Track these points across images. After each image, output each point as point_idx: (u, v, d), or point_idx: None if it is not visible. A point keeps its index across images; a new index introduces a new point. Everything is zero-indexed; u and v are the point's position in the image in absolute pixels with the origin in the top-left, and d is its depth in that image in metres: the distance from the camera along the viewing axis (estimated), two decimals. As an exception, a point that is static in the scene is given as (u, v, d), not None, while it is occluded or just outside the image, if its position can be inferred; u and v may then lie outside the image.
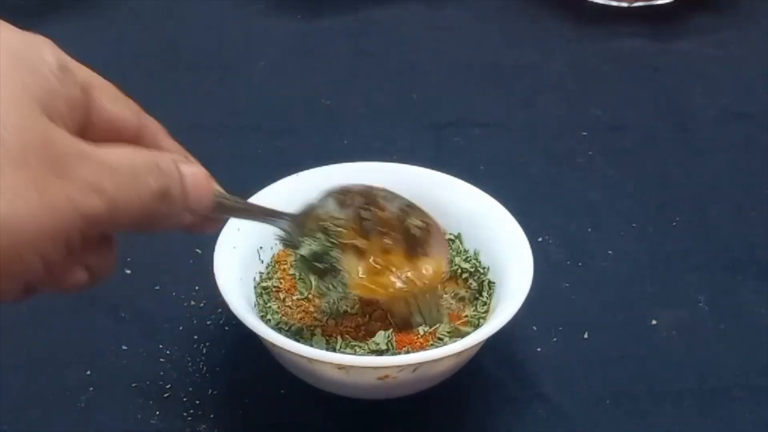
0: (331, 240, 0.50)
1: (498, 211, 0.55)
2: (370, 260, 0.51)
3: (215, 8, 0.90)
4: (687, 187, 0.69)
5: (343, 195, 0.51)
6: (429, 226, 0.52)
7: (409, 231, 0.52)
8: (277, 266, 0.55)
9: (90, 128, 0.35)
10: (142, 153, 0.35)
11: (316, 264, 0.50)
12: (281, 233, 0.49)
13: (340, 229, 0.50)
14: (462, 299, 0.54)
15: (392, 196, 0.52)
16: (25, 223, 0.29)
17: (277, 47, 0.84)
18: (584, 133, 0.74)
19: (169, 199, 0.35)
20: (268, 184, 0.56)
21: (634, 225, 0.65)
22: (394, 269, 0.51)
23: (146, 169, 0.34)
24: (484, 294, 0.54)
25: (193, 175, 0.37)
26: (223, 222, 0.45)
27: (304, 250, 0.49)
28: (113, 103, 0.36)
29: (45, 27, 0.93)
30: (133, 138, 0.37)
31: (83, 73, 0.35)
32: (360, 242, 0.51)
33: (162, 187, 0.35)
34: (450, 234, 0.57)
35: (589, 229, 0.65)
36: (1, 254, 0.29)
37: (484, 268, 0.55)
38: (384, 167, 0.59)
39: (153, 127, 0.39)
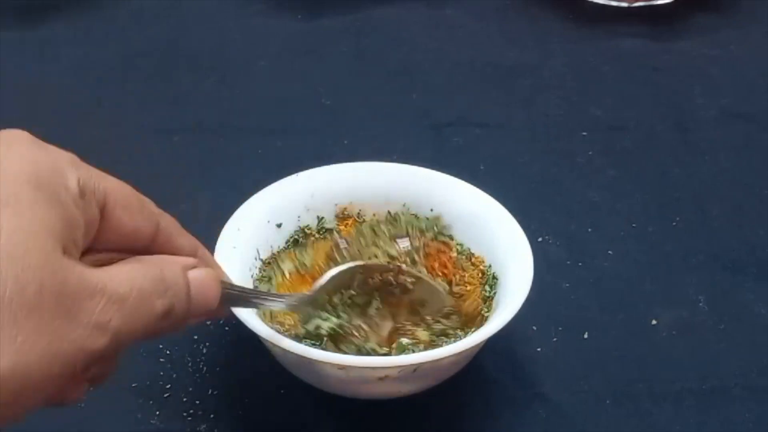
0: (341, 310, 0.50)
1: (498, 211, 0.55)
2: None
3: (215, 8, 0.90)
4: (687, 187, 0.69)
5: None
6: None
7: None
8: (272, 264, 0.55)
9: (103, 239, 0.36)
10: (151, 271, 0.36)
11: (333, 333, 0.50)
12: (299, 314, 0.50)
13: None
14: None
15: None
16: (32, 370, 0.31)
17: (277, 47, 0.84)
18: (584, 133, 0.74)
19: (172, 315, 0.36)
20: (268, 184, 0.56)
21: (634, 225, 0.65)
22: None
23: (153, 292, 0.35)
24: (488, 287, 0.54)
25: (201, 280, 0.38)
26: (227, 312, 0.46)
27: (323, 326, 0.49)
28: (129, 216, 0.37)
29: (45, 27, 0.94)
30: (148, 240, 0.38)
31: (104, 185, 0.36)
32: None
33: (167, 307, 0.36)
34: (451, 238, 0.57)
35: (589, 229, 0.65)
36: (7, 398, 0.30)
37: (486, 265, 0.55)
38: (384, 167, 0.59)
39: (169, 228, 0.40)
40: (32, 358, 0.30)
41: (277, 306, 0.47)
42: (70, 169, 0.34)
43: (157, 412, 0.51)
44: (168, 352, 0.55)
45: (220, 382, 0.53)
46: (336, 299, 0.50)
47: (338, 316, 0.49)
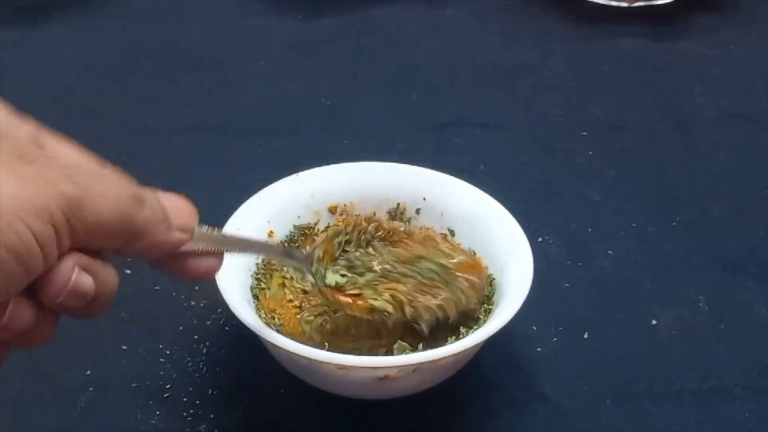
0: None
1: (498, 211, 0.55)
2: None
3: (215, 8, 0.90)
4: (687, 187, 0.69)
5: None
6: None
7: None
8: (269, 266, 0.55)
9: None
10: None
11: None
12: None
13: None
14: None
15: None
16: (8, 199, 0.31)
17: (277, 47, 0.84)
18: (584, 133, 0.74)
19: (146, 206, 0.36)
20: (268, 184, 0.56)
21: (634, 225, 0.65)
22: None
23: (117, 178, 0.35)
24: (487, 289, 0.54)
25: (171, 197, 0.38)
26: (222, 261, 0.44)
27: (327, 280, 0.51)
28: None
29: (45, 27, 0.94)
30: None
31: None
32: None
33: (136, 193, 0.35)
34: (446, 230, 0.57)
35: (589, 229, 0.65)
36: None
37: (485, 265, 0.55)
38: (384, 167, 0.59)
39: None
40: (4, 189, 0.31)
41: (273, 255, 0.48)
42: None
43: (157, 412, 0.51)
44: (168, 352, 0.55)
45: (220, 382, 0.53)
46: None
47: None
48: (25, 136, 0.34)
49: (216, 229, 0.42)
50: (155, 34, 0.85)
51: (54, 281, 0.34)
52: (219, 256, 0.41)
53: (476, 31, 0.88)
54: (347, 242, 0.52)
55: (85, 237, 0.34)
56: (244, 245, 0.46)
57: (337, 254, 0.51)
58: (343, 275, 0.51)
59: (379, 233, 0.53)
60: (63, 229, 0.33)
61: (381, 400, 0.52)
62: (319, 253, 0.51)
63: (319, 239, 0.53)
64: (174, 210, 0.38)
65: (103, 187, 0.34)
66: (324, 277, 0.50)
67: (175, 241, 0.38)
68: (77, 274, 0.34)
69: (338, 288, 0.50)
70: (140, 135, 0.73)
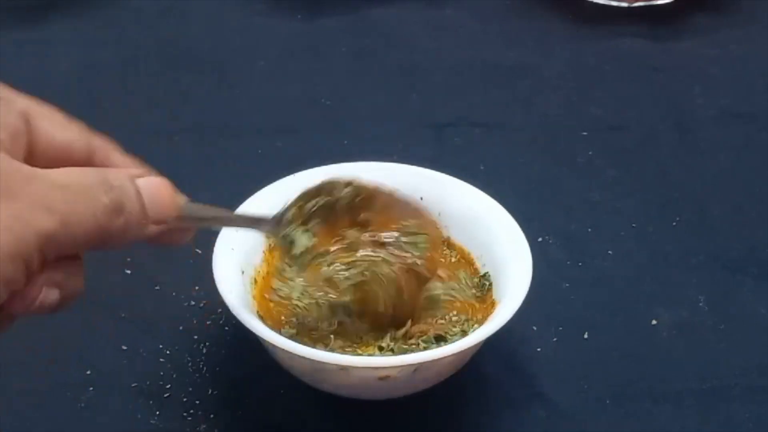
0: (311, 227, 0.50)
1: (498, 211, 0.55)
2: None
3: (215, 8, 0.90)
4: (687, 187, 0.69)
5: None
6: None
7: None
8: (267, 265, 0.55)
9: (36, 155, 0.36)
10: (92, 170, 0.36)
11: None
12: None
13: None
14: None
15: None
16: None
17: (277, 47, 0.84)
18: (584, 133, 0.74)
19: (124, 212, 0.36)
20: (268, 184, 0.56)
21: (634, 225, 0.65)
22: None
23: (97, 185, 0.35)
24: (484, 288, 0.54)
25: (151, 186, 0.38)
26: (197, 231, 0.44)
27: (296, 247, 0.49)
28: (59, 129, 0.37)
29: (45, 27, 0.93)
30: (84, 161, 0.38)
31: (23, 102, 0.36)
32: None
33: (115, 201, 0.35)
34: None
35: (589, 229, 0.65)
36: None
37: (482, 264, 0.55)
38: (384, 167, 0.59)
39: (105, 146, 0.39)
40: None
41: (242, 225, 0.47)
42: None
43: (157, 412, 0.51)
44: (168, 352, 0.55)
45: (220, 382, 0.53)
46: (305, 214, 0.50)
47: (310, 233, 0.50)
48: (13, 165, 0.33)
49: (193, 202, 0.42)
50: (155, 34, 0.85)
51: (21, 301, 0.34)
52: (185, 231, 0.41)
53: (476, 31, 0.88)
54: (321, 206, 0.50)
55: (59, 255, 0.34)
56: (213, 219, 0.45)
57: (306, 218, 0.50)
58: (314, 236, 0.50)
59: (357, 198, 0.51)
60: (36, 262, 0.33)
61: (381, 400, 0.52)
62: (289, 215, 0.49)
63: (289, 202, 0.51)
64: (152, 198, 0.37)
65: (84, 208, 0.34)
66: (293, 243, 0.49)
67: (148, 235, 0.38)
68: (44, 294, 0.34)
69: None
70: (140, 135, 0.72)
